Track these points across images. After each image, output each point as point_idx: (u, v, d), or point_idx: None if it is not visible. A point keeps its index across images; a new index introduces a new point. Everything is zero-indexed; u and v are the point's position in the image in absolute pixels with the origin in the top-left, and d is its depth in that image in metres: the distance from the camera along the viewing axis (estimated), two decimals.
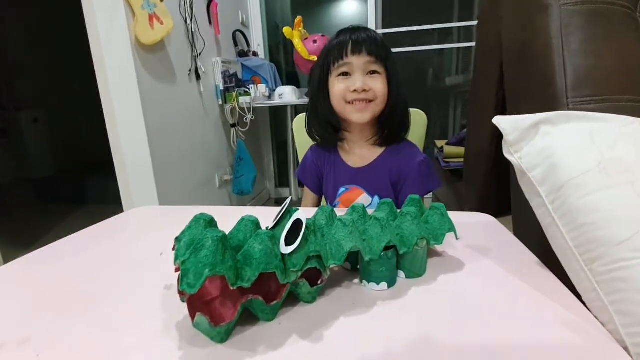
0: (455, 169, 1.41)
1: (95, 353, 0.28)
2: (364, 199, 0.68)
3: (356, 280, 0.38)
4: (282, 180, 3.03)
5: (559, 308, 0.32)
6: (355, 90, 0.62)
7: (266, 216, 0.40)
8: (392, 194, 0.68)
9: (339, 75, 0.64)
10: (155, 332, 0.31)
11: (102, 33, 1.11)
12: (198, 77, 1.68)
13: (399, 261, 0.37)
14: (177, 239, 0.31)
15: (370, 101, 0.63)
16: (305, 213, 0.34)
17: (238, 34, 2.23)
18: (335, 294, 0.36)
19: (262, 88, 2.07)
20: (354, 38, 0.63)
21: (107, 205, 2.49)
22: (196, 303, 0.29)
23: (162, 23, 1.27)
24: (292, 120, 2.45)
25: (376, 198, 0.68)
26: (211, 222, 0.32)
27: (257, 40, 2.59)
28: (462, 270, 0.40)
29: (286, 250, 0.30)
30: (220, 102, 1.95)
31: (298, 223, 0.32)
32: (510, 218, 0.82)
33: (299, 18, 1.85)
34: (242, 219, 0.33)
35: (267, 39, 2.70)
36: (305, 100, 2.01)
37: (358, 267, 0.38)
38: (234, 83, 2.02)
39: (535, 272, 0.39)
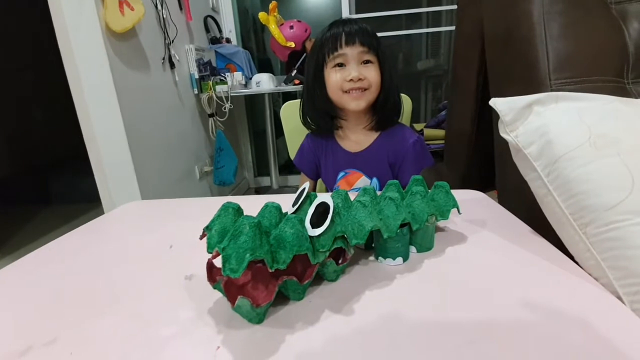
0: (435, 150, 1.47)
1: (135, 345, 0.29)
2: (363, 181, 0.71)
3: (371, 258, 0.40)
4: (260, 169, 3.01)
5: (556, 268, 0.36)
6: (351, 80, 0.64)
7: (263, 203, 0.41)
8: (390, 175, 0.71)
9: (335, 66, 0.66)
10: (190, 320, 0.31)
11: (68, 20, 1.04)
12: (172, 65, 1.62)
13: (410, 237, 0.40)
14: (208, 228, 0.32)
15: (365, 89, 0.65)
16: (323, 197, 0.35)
17: (209, 19, 2.15)
18: (355, 271, 0.38)
19: (238, 76, 2.03)
20: (347, 30, 0.65)
21: (77, 204, 2.38)
22: (231, 288, 0.30)
23: (132, 9, 1.20)
24: (270, 108, 2.43)
25: (375, 180, 0.71)
26: (239, 210, 0.33)
27: (229, 26, 2.51)
28: (465, 242, 0.43)
29: (314, 232, 0.32)
30: (196, 92, 1.89)
31: (322, 206, 0.33)
32: (491, 194, 0.87)
33: (273, 3, 1.81)
34: (266, 206, 0.34)
35: (239, 25, 2.62)
36: (282, 88, 1.99)
37: (372, 245, 0.40)
38: (209, 71, 1.96)
39: (529, 239, 0.43)
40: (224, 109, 1.89)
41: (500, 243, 0.43)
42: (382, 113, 0.69)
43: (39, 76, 2.93)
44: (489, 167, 0.99)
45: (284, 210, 0.37)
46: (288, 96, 2.62)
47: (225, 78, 1.94)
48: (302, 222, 0.31)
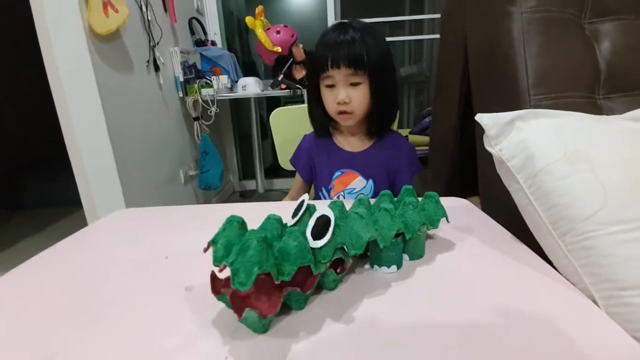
0: (420, 156, 1.51)
1: (140, 358, 0.29)
2: (359, 181, 0.73)
3: (367, 266, 0.42)
4: (245, 172, 2.99)
5: (537, 274, 0.39)
6: (338, 103, 0.66)
7: (257, 211, 0.42)
8: (385, 179, 0.73)
9: (326, 86, 0.68)
10: (193, 331, 0.32)
11: (50, 21, 1.01)
12: (157, 68, 1.60)
13: (403, 246, 0.42)
14: (213, 242, 0.33)
15: (352, 112, 0.68)
16: (322, 205, 0.37)
17: (194, 21, 2.13)
18: (352, 280, 0.39)
19: (224, 79, 2.02)
20: (332, 54, 0.64)
21: (52, 208, 2.29)
22: (236, 300, 0.31)
23: (116, 11, 1.18)
24: (256, 112, 2.42)
25: (370, 182, 0.73)
26: (243, 224, 0.34)
27: (213, 28, 2.49)
28: (453, 250, 0.46)
29: (316, 244, 0.33)
30: (181, 95, 1.87)
31: (323, 219, 0.35)
32: (473, 199, 0.91)
33: (260, 8, 1.81)
34: (268, 218, 0.35)
35: (224, 27, 2.61)
36: (269, 92, 2.00)
37: (367, 253, 0.42)
38: (194, 74, 1.95)
39: (512, 246, 0.46)
40: (210, 112, 1.88)
41: (485, 250, 0.45)
42: (372, 125, 0.72)
43: (12, 77, 2.82)
44: (471, 173, 1.03)
45: (283, 220, 0.39)
46: (273, 100, 2.63)
47: (211, 81, 1.93)
48: (304, 234, 0.33)
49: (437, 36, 2.60)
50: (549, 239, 0.39)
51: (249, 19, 1.78)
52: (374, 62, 0.65)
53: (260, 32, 1.77)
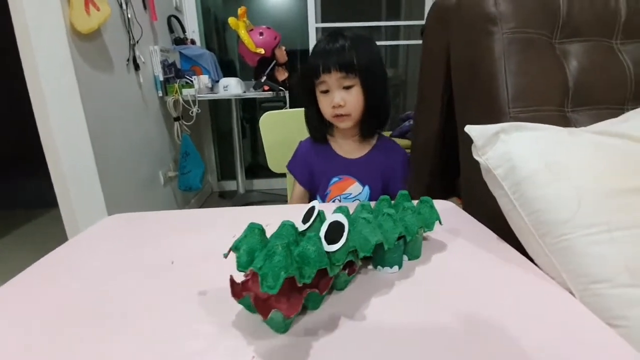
0: None
1: None
2: (355, 187, 0.76)
3: (370, 267, 0.45)
4: (224, 173, 2.96)
5: (520, 270, 0.44)
6: (334, 107, 0.69)
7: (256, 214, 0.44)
8: (380, 184, 0.77)
9: (321, 92, 0.71)
10: (214, 334, 0.33)
11: (30, 19, 0.97)
12: (137, 67, 1.56)
13: (404, 247, 0.46)
14: (236, 248, 0.35)
15: (349, 114, 0.70)
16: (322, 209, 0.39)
17: (173, 19, 2.09)
18: (358, 280, 0.43)
19: (205, 79, 2.00)
20: (322, 61, 0.68)
21: (23, 209, 2.16)
22: (258, 302, 0.34)
23: (98, 9, 1.15)
24: (237, 112, 2.41)
25: (366, 188, 0.76)
26: (263, 230, 0.36)
27: (192, 26, 2.45)
28: (446, 250, 0.50)
29: (331, 248, 0.36)
30: (161, 94, 1.83)
31: (335, 224, 0.37)
32: (452, 200, 0.98)
33: (242, 8, 1.81)
34: (284, 224, 0.38)
35: (203, 25, 2.57)
36: (252, 94, 2.00)
37: (370, 255, 0.45)
38: (174, 73, 1.91)
39: (497, 245, 0.51)
40: (191, 112, 1.85)
41: (473, 249, 0.50)
42: (364, 126, 0.75)
43: None
44: (450, 176, 1.10)
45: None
46: (248, 100, 2.62)
47: (191, 81, 1.90)
48: (320, 240, 0.35)
49: (413, 42, 2.71)
50: (531, 239, 0.44)
51: (231, 20, 1.77)
52: (364, 64, 0.68)
53: (243, 33, 1.77)
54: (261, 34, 1.85)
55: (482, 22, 0.64)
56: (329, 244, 0.36)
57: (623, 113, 0.58)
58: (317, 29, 2.50)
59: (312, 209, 0.42)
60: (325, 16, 2.55)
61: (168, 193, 1.98)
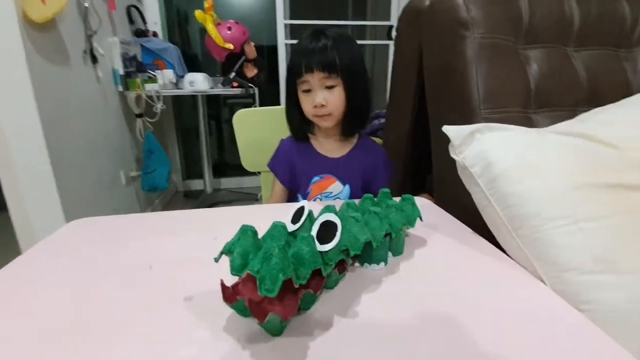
0: None
1: None
2: (336, 186, 0.76)
3: (357, 264, 0.46)
4: (190, 172, 2.86)
5: (495, 261, 0.47)
6: (315, 106, 0.69)
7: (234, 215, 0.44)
8: (360, 183, 0.78)
9: (303, 91, 0.70)
10: (206, 339, 0.33)
11: None
12: (94, 60, 1.45)
13: (389, 244, 0.47)
14: (229, 251, 0.34)
15: (330, 114, 0.71)
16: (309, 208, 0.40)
17: (133, 9, 1.97)
18: (347, 278, 0.43)
19: (169, 74, 1.91)
20: (305, 60, 0.67)
21: None
22: (253, 306, 0.33)
23: None
24: (204, 109, 2.33)
25: (347, 187, 0.77)
26: (256, 233, 0.35)
27: (153, 17, 2.33)
28: (427, 245, 0.52)
29: (324, 248, 0.36)
30: (121, 89, 1.72)
31: (327, 224, 0.38)
32: (423, 196, 1.02)
33: (209, 1, 1.75)
34: (275, 225, 0.37)
35: (165, 17, 2.45)
36: (219, 90, 1.94)
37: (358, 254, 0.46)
38: (135, 67, 1.81)
39: (472, 239, 0.54)
40: (156, 109, 1.76)
41: (452, 243, 0.53)
42: (346, 125, 0.75)
43: None
44: (421, 174, 1.14)
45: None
46: (213, 97, 2.54)
47: (154, 76, 1.81)
48: (314, 240, 0.35)
49: (379, 42, 2.77)
50: (506, 233, 0.47)
51: (198, 13, 1.70)
52: (346, 65, 0.68)
53: (211, 27, 1.71)
54: (229, 28, 1.80)
55: (455, 27, 0.67)
56: (321, 243, 0.36)
57: (576, 114, 0.64)
58: (285, 25, 2.48)
59: (302, 208, 0.42)
60: (293, 13, 2.54)
61: (130, 193, 1.88)
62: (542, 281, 0.43)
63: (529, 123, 0.69)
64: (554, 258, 0.41)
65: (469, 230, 0.57)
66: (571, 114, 0.67)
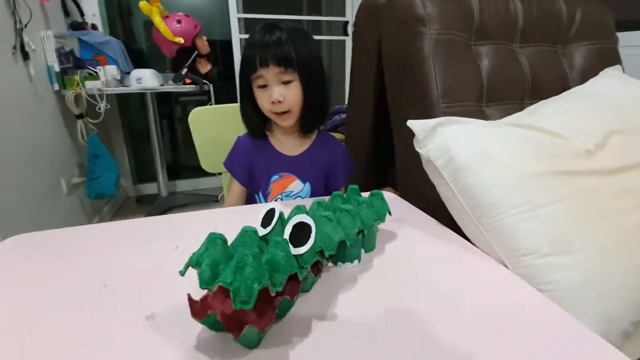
0: None
1: None
2: (296, 185, 0.74)
3: (330, 264, 0.46)
4: (141, 175, 2.67)
5: (460, 249, 0.49)
6: (273, 102, 0.66)
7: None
8: (321, 181, 0.76)
9: (258, 86, 0.67)
10: None
11: None
12: (25, 56, 1.29)
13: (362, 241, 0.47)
14: (197, 263, 0.31)
15: (288, 111, 0.68)
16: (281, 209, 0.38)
17: (68, 0, 1.79)
18: (322, 279, 0.42)
19: (113, 70, 1.76)
20: (259, 53, 0.64)
21: None
22: (226, 320, 0.31)
23: None
24: (154, 108, 2.19)
25: (307, 185, 0.75)
26: (225, 241, 0.33)
27: (92, 9, 2.13)
28: (396, 239, 0.53)
29: (298, 251, 0.35)
30: (57, 88, 1.55)
31: (300, 225, 0.36)
32: (386, 189, 1.04)
33: None
34: (245, 231, 0.35)
35: (104, 8, 2.26)
36: (171, 87, 1.83)
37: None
38: (72, 63, 1.64)
39: (437, 229, 0.56)
40: (99, 109, 1.62)
41: (419, 235, 0.54)
42: (304, 122, 0.73)
43: None
44: (385, 168, 1.16)
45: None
46: (161, 94, 2.40)
47: (96, 72, 1.66)
48: (288, 243, 0.34)
49: (335, 37, 2.78)
50: (469, 222, 0.49)
51: (143, 4, 1.59)
52: (302, 59, 0.66)
53: (158, 19, 1.60)
54: (179, 21, 1.69)
55: (412, 23, 0.68)
56: (294, 246, 0.35)
57: (524, 107, 0.69)
58: (239, 19, 2.40)
59: (272, 210, 0.40)
60: (247, 7, 2.46)
61: (73, 202, 1.71)
62: (505, 266, 0.45)
63: (483, 116, 0.73)
64: (515, 244, 0.44)
65: (435, 221, 0.59)
66: (519, 107, 0.72)
